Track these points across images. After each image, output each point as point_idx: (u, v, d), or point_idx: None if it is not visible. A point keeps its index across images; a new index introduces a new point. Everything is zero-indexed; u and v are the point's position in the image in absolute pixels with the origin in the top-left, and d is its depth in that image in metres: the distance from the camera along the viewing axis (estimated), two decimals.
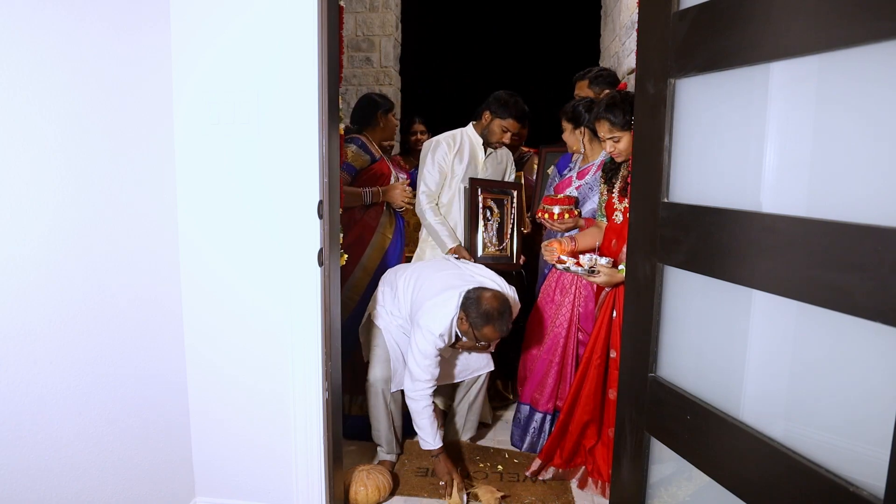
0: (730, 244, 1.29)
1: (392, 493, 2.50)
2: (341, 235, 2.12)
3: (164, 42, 1.91)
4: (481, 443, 2.97)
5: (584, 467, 2.58)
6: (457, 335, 2.53)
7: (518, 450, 2.86)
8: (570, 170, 2.94)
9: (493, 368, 2.87)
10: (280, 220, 1.96)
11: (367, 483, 2.41)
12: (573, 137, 2.85)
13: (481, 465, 2.73)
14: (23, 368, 1.47)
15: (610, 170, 2.52)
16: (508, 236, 3.08)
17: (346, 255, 2.08)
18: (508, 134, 2.99)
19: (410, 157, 3.90)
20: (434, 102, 3.68)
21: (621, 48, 3.93)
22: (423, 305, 2.51)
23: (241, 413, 2.13)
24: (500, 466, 2.72)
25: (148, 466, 1.95)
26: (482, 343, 2.48)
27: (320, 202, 1.92)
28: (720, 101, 1.37)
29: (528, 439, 2.84)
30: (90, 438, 1.70)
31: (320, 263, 1.94)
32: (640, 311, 1.58)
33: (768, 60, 1.20)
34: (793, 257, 1.12)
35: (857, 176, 1.05)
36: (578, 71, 3.17)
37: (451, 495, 2.43)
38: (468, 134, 3.10)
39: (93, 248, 1.67)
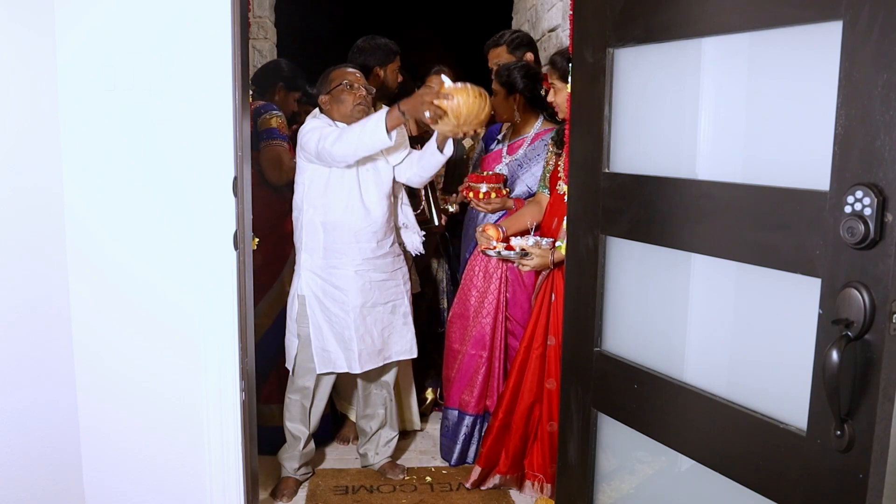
0: (670, 211, 1.61)
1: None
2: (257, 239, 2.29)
3: None
4: (404, 457, 3.18)
5: (524, 470, 2.84)
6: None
7: (448, 464, 3.09)
8: (497, 143, 3.19)
9: (415, 355, 2.99)
10: (190, 199, 2.08)
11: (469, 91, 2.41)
12: (505, 104, 3.03)
13: (406, 478, 2.97)
14: None
15: (561, 132, 2.70)
16: (424, 197, 3.25)
17: (257, 239, 2.31)
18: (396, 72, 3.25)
19: None
20: (317, 59, 3.84)
21: (539, 1, 4.21)
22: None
23: (142, 424, 2.20)
24: (428, 478, 2.98)
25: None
26: (357, 90, 2.74)
27: (235, 178, 2.07)
28: (657, 71, 1.71)
29: (457, 449, 3.06)
30: None
31: (236, 247, 2.09)
32: (583, 285, 1.87)
33: (703, 35, 1.54)
34: (728, 220, 1.47)
35: (783, 143, 1.41)
36: (491, 26, 3.43)
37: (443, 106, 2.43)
38: None
39: None
